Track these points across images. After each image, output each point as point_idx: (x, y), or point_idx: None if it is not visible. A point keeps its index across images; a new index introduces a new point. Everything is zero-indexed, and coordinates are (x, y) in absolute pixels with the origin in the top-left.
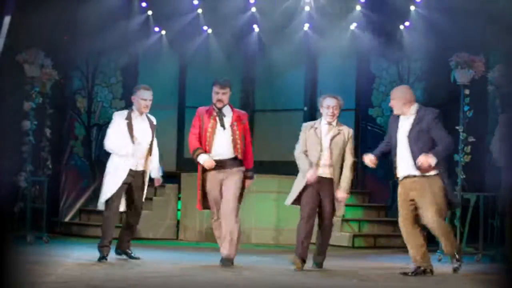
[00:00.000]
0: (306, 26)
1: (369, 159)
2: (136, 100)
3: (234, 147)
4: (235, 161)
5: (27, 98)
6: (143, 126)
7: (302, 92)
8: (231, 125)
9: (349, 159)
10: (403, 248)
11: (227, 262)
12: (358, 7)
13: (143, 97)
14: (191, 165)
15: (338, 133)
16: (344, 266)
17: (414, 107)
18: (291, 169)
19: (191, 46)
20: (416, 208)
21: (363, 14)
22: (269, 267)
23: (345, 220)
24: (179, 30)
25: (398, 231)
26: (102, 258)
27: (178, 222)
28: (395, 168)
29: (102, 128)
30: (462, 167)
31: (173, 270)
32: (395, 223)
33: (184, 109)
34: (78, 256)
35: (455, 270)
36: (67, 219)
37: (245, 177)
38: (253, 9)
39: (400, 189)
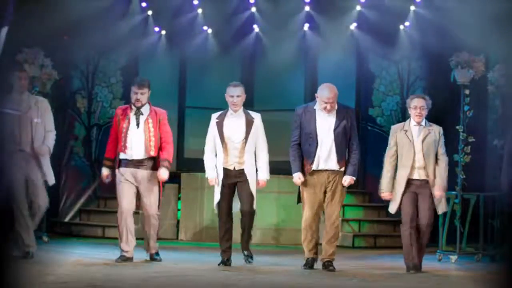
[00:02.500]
0: (306, 26)
1: (299, 178)
2: (226, 98)
3: (147, 146)
4: (150, 162)
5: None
6: (236, 124)
7: (302, 92)
8: (145, 123)
9: (442, 159)
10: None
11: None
12: (358, 7)
13: (230, 93)
14: (191, 165)
15: (429, 133)
16: (344, 266)
17: None
18: (291, 169)
19: (191, 46)
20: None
21: (363, 14)
22: (269, 267)
23: (345, 220)
24: (179, 30)
25: (398, 231)
26: (222, 262)
27: (178, 222)
28: (311, 160)
29: (102, 128)
30: (462, 167)
31: (173, 270)
32: (395, 223)
33: (184, 109)
34: (78, 256)
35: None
36: (67, 219)
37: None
38: (253, 9)
39: (313, 181)
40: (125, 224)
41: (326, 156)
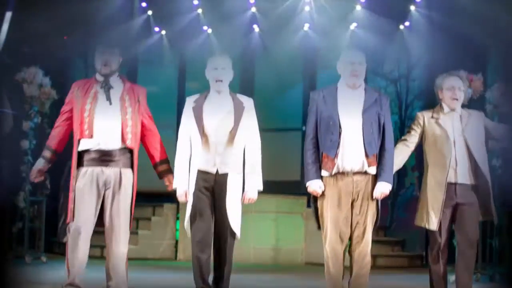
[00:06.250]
0: (306, 26)
1: (319, 187)
2: (208, 75)
3: (124, 131)
4: (124, 155)
5: (25, 118)
6: (221, 108)
7: (301, 91)
8: (121, 100)
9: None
10: (402, 268)
11: None
12: (358, 7)
13: (213, 65)
14: None
15: (469, 121)
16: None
17: None
18: (289, 188)
19: (191, 46)
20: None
21: (364, 15)
22: (268, 287)
23: None
24: (179, 30)
25: (397, 251)
26: None
27: (176, 242)
28: (334, 154)
29: None
30: None
31: None
32: (394, 243)
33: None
34: None
35: None
36: (65, 240)
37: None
38: (253, 9)
39: (336, 190)
40: (77, 254)
41: (353, 148)
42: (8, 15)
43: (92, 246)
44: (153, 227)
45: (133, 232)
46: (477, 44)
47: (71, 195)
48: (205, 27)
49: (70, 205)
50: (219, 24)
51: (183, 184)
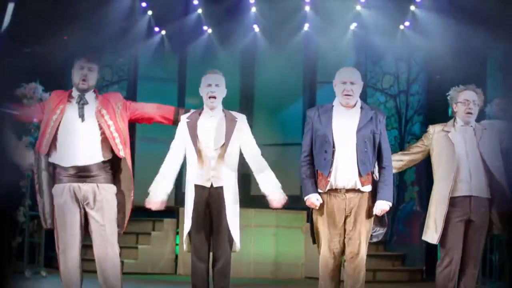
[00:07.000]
0: (306, 26)
1: (317, 199)
2: (201, 91)
3: (113, 144)
4: (102, 169)
5: (25, 133)
6: (214, 124)
7: (300, 90)
8: (99, 115)
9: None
10: (403, 283)
11: None
12: (358, 7)
13: (207, 82)
14: None
15: (484, 134)
16: None
17: None
18: (289, 203)
19: (191, 46)
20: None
21: (364, 15)
22: None
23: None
24: (179, 30)
25: (398, 265)
26: None
27: (176, 256)
28: (327, 172)
29: None
30: None
31: None
32: (394, 258)
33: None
34: None
35: None
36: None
37: None
38: (253, 9)
39: (330, 206)
40: (70, 269)
41: (346, 167)
42: (11, 6)
43: (91, 260)
44: (153, 241)
45: (133, 246)
46: (478, 54)
47: (60, 219)
48: (205, 27)
49: (47, 209)
50: (219, 24)
51: (159, 192)
